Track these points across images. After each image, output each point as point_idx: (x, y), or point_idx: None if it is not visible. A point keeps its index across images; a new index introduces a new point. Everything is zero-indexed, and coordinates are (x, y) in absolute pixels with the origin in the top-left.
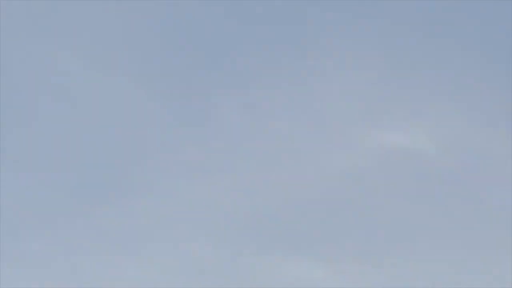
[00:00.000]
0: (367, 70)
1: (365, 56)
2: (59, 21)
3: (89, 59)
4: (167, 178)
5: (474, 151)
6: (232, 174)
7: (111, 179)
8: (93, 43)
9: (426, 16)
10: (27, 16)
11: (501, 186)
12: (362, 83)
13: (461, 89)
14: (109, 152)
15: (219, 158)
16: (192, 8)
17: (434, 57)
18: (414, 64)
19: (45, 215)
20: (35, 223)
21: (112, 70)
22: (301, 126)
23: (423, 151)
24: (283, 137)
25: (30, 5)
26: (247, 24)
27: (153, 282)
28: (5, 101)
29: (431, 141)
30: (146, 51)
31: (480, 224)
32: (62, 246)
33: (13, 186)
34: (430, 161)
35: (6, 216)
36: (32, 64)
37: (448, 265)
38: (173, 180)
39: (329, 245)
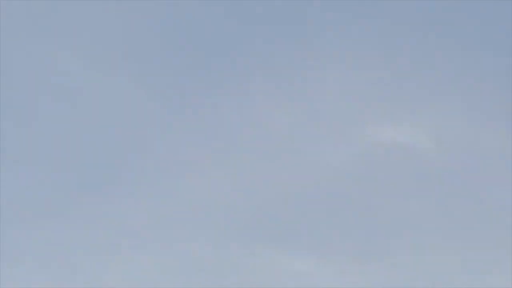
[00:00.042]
0: (367, 69)
1: (364, 56)
2: (59, 21)
3: (89, 59)
4: (166, 177)
5: (473, 149)
6: (230, 173)
7: (110, 178)
8: (93, 43)
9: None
10: (27, 16)
11: (500, 184)
12: (362, 82)
13: (461, 88)
14: (109, 151)
15: (218, 157)
16: (192, 8)
17: (434, 56)
18: (413, 63)
19: (44, 213)
20: (34, 221)
21: (112, 70)
22: (300, 124)
23: (422, 149)
24: (282, 135)
25: (30, 5)
26: (247, 24)
27: (151, 280)
28: (5, 101)
29: (431, 139)
30: (146, 51)
31: (479, 222)
32: (60, 244)
33: (13, 186)
34: (429, 159)
35: (6, 214)
36: (32, 64)
37: (447, 262)
38: (173, 179)
39: (328, 242)
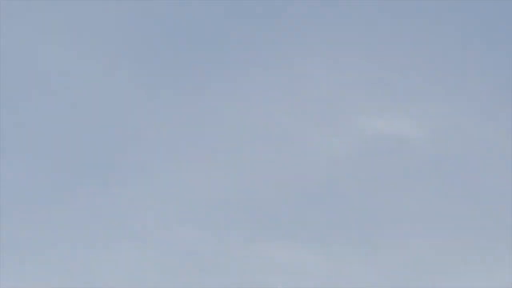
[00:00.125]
0: (359, 61)
1: (356, 48)
2: (59, 21)
3: (89, 59)
4: (165, 173)
5: (464, 138)
6: (228, 169)
7: (110, 177)
8: (93, 43)
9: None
10: (27, 16)
11: (493, 173)
12: (354, 74)
13: (451, 78)
14: (108, 149)
15: (215, 154)
16: (192, 8)
17: (425, 47)
18: (405, 54)
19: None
20: (32, 217)
21: (112, 69)
22: (292, 116)
23: (415, 140)
24: (276, 126)
25: (30, 5)
26: (247, 24)
27: (149, 275)
28: (5, 101)
29: (424, 130)
30: (146, 51)
31: (470, 209)
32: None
33: (13, 186)
34: (423, 150)
35: (5, 211)
36: (32, 64)
37: (439, 250)
38: (171, 175)
39: (321, 232)
